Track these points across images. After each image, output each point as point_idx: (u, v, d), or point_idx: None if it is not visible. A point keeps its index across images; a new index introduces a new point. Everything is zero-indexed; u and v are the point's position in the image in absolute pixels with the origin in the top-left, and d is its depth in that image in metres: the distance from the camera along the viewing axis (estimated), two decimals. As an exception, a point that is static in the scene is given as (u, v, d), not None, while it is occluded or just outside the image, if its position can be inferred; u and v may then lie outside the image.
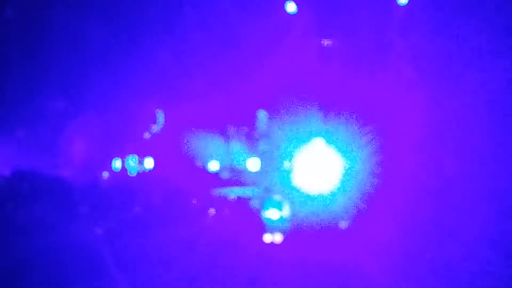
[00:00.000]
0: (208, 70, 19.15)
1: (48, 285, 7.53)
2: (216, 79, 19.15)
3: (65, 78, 18.01)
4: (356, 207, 11.33)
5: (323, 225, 10.79)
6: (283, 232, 10.73)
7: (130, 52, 18.09)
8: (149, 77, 18.54)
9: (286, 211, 11.83)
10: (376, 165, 13.62)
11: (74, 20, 17.88)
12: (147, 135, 17.40)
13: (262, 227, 10.64)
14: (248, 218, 11.24)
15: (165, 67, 18.68)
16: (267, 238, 10.27)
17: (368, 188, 11.66)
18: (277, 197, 12.35)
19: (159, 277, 7.88)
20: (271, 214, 11.87)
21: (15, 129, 18.05)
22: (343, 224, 11.05)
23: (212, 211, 10.70)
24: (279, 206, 12.03)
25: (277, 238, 10.33)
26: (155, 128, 18.08)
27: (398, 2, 15.52)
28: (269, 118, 16.40)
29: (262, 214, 11.88)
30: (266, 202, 12.38)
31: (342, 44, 15.57)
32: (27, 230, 9.22)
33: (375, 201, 11.21)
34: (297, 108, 17.44)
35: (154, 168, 17.42)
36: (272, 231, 10.61)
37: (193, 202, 10.98)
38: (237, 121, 16.56)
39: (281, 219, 11.68)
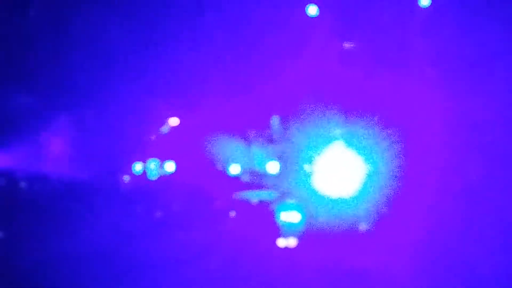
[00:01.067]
0: (228, 73, 19.14)
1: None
2: (237, 82, 19.11)
3: (84, 81, 18.05)
4: (377, 210, 11.13)
5: (343, 228, 10.59)
6: (298, 236, 10.56)
7: (151, 54, 18.07)
8: (169, 80, 18.57)
9: (301, 215, 11.76)
10: (398, 168, 13.60)
11: (93, 21, 17.89)
12: (167, 139, 17.39)
13: (280, 230, 10.52)
14: (269, 221, 11.07)
15: (186, 70, 18.65)
16: (281, 242, 10.15)
17: (389, 191, 11.45)
18: (292, 200, 12.32)
19: (178, 280, 7.80)
20: (287, 217, 11.77)
21: (35, 132, 18.14)
22: (363, 227, 10.86)
23: (233, 214, 10.58)
24: (294, 209, 12.03)
25: (291, 242, 10.20)
26: (175, 131, 18.06)
27: (420, 5, 15.38)
28: (289, 121, 16.36)
29: (278, 218, 11.78)
30: (281, 205, 12.28)
31: (363, 47, 15.45)
32: (45, 233, 9.21)
33: (397, 205, 11.01)
34: (317, 110, 17.35)
35: (175, 171, 17.45)
36: (286, 235, 10.47)
37: (215, 205, 10.82)
38: (257, 124, 16.48)
39: (296, 222, 11.58)
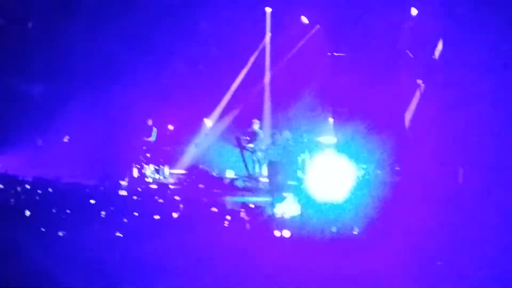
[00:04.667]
0: (221, 79, 19.16)
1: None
2: (228, 88, 19.05)
3: (85, 86, 18.05)
4: (367, 215, 10.85)
5: (334, 232, 10.36)
6: (292, 228, 10.31)
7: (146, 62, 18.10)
8: (165, 87, 18.65)
9: (294, 208, 11.83)
10: (389, 173, 13.39)
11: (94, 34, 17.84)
12: (163, 144, 17.60)
13: (275, 231, 10.56)
14: (263, 224, 10.96)
15: (181, 78, 18.58)
16: (276, 233, 10.21)
17: (380, 196, 11.41)
18: (286, 195, 12.47)
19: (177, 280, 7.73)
20: (280, 210, 11.92)
21: (36, 137, 18.03)
22: (354, 231, 10.77)
23: (228, 218, 10.56)
24: (289, 203, 12.18)
25: (286, 234, 10.26)
26: (171, 137, 18.06)
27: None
28: (282, 127, 16.44)
29: (272, 211, 11.91)
30: (275, 199, 12.40)
31: (355, 55, 15.47)
32: (47, 233, 9.19)
33: (388, 210, 10.97)
34: (309, 117, 17.33)
35: (172, 176, 17.39)
36: (281, 227, 10.34)
37: (212, 209, 10.83)
38: (249, 132, 16.52)
39: (290, 215, 11.66)
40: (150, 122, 17.11)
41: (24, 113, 17.52)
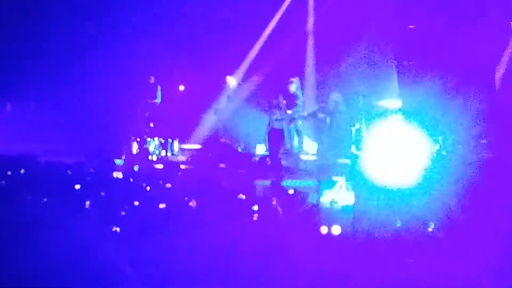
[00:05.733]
0: (251, 28, 18.97)
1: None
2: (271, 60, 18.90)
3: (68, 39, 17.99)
4: (446, 205, 10.33)
5: (401, 228, 9.99)
6: (344, 223, 10.17)
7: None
8: (174, 36, 18.30)
9: (347, 195, 11.67)
10: (473, 148, 13.13)
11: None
12: (174, 113, 17.52)
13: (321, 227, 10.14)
14: (304, 216, 10.72)
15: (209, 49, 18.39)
16: (324, 230, 9.79)
17: (464, 183, 10.70)
18: (335, 179, 12.26)
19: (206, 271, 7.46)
20: (328, 198, 11.93)
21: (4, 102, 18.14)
22: (428, 228, 10.04)
23: (256, 207, 10.03)
24: (335, 188, 12.10)
25: (335, 230, 9.80)
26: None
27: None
28: (330, 88, 15.93)
29: (317, 199, 11.84)
30: (322, 185, 12.21)
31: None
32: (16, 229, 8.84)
33: (473, 201, 10.16)
34: (367, 74, 16.83)
35: (183, 152, 17.40)
36: (329, 221, 10.03)
37: (237, 197, 10.44)
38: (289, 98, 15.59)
39: (342, 205, 11.65)
40: (152, 80, 16.69)
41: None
